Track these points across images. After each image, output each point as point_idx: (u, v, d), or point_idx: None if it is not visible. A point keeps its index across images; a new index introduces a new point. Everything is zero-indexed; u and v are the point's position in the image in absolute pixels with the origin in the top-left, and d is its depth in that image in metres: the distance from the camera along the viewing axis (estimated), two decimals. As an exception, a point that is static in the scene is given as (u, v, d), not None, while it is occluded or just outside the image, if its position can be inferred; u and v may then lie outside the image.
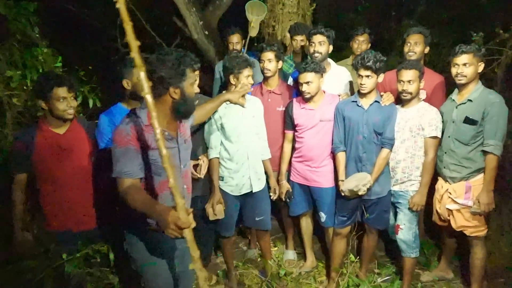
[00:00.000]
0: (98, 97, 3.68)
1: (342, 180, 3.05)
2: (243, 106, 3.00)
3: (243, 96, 2.99)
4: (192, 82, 2.04)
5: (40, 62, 3.28)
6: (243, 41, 4.22)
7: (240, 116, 3.02)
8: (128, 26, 1.56)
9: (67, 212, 2.61)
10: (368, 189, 2.95)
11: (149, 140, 1.98)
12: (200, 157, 3.03)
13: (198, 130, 3.06)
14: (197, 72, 2.15)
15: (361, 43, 3.92)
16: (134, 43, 1.58)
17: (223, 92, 3.02)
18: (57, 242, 2.59)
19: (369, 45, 3.97)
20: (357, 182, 2.90)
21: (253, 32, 4.40)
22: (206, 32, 5.60)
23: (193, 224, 1.75)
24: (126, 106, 2.73)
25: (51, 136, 2.55)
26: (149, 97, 1.64)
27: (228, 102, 2.99)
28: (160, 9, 6.63)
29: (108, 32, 6.61)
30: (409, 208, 3.00)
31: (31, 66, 3.23)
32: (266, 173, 3.25)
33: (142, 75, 1.61)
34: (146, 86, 1.62)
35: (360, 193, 2.91)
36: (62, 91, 2.48)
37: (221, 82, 4.05)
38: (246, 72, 2.95)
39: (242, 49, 4.20)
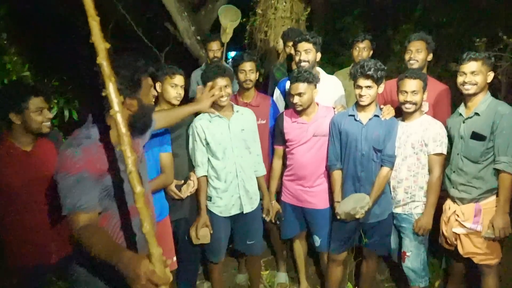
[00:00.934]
0: (75, 109, 3.43)
1: (338, 202, 2.79)
2: (219, 116, 2.76)
3: (217, 103, 2.72)
4: (147, 92, 1.75)
5: (7, 71, 3.02)
6: (222, 48, 4.12)
7: (225, 129, 2.76)
8: (95, 23, 1.23)
9: (34, 243, 2.30)
10: (367, 212, 2.68)
11: (106, 162, 1.63)
12: (190, 174, 2.78)
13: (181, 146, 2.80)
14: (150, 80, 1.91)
15: (361, 50, 3.66)
16: (101, 45, 1.25)
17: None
18: (24, 279, 2.30)
19: (371, 52, 3.72)
20: (354, 204, 2.64)
21: (226, 38, 4.32)
22: (198, 37, 5.50)
23: (171, 279, 1.37)
24: None
25: (17, 153, 2.25)
26: (119, 116, 1.29)
27: (211, 115, 2.75)
28: (151, 13, 6.52)
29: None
30: (414, 233, 2.74)
31: (-3, 75, 2.97)
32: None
33: (111, 87, 1.28)
34: (115, 101, 1.29)
35: (357, 216, 2.65)
36: (39, 101, 2.23)
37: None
38: (221, 81, 2.69)
39: (228, 55, 4.06)
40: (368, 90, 2.64)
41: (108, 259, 1.42)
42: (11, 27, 3.23)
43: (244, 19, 5.19)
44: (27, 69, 3.07)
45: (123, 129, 1.30)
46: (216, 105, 2.73)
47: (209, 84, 2.70)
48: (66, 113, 3.35)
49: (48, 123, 2.29)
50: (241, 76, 3.06)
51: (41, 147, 2.34)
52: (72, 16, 6.17)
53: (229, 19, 4.33)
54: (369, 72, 2.59)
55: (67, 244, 2.37)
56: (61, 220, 2.37)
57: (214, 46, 4.06)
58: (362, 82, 2.63)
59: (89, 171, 1.56)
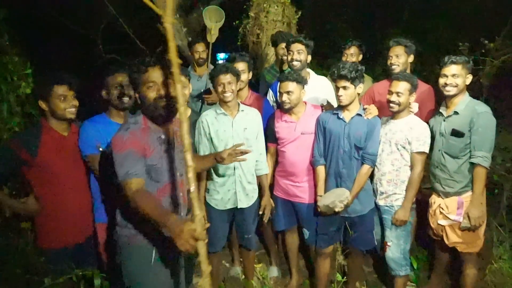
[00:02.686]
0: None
1: (320, 195, 2.92)
2: (224, 114, 2.87)
3: (222, 99, 2.85)
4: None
5: (9, 70, 3.11)
6: (207, 50, 4.20)
7: (229, 127, 2.87)
8: (172, 44, 1.70)
9: (67, 223, 2.48)
10: (346, 206, 2.81)
11: (147, 144, 1.98)
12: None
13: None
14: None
15: (350, 56, 3.83)
16: (175, 60, 1.70)
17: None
18: (48, 260, 2.45)
19: (360, 56, 3.88)
20: (333, 198, 2.78)
21: (212, 38, 4.38)
22: (190, 39, 5.54)
23: (207, 239, 1.69)
24: (110, 117, 2.59)
25: (58, 137, 2.45)
26: (182, 109, 1.72)
27: (217, 111, 2.88)
28: (143, 15, 6.53)
29: (89, 38, 6.45)
30: (395, 225, 2.89)
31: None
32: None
33: (179, 88, 1.73)
34: (181, 99, 1.72)
35: (336, 209, 2.78)
36: (62, 89, 2.38)
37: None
38: (223, 78, 2.80)
39: (224, 56, 4.16)
40: (345, 90, 2.76)
41: (157, 219, 1.76)
42: (12, 29, 3.30)
43: (237, 22, 5.32)
44: (29, 68, 3.16)
45: (185, 120, 1.71)
46: (221, 102, 2.86)
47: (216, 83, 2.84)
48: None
49: (72, 109, 2.43)
50: None
51: (75, 133, 2.53)
52: (66, 19, 6.24)
53: (214, 20, 4.38)
54: (342, 72, 2.71)
55: (90, 226, 2.62)
56: (89, 202, 2.59)
57: (199, 47, 4.15)
58: (338, 83, 2.77)
59: (134, 149, 1.93)
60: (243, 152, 2.41)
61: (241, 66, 3.16)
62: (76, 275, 2.37)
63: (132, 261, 2.06)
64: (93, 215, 2.62)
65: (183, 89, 1.76)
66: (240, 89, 3.22)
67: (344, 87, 2.76)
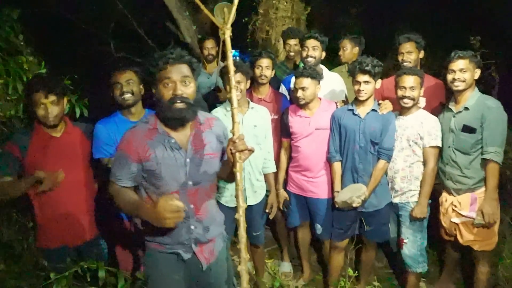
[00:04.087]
0: (86, 106, 3.56)
1: (337, 191, 2.95)
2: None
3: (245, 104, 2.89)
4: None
5: (24, 70, 3.16)
6: (217, 47, 4.16)
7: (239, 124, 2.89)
8: (230, 54, 1.80)
9: (63, 224, 2.47)
10: (364, 201, 2.84)
11: (145, 147, 1.86)
12: None
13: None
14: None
15: (342, 50, 3.96)
16: (232, 68, 1.81)
17: None
18: (50, 260, 2.48)
19: (356, 48, 3.95)
20: (351, 194, 2.80)
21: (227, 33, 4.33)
22: (200, 36, 5.52)
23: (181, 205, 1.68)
24: (123, 115, 2.60)
25: (48, 138, 2.43)
26: (235, 111, 1.83)
27: (228, 109, 2.88)
28: (153, 12, 6.56)
29: (99, 36, 6.50)
30: (411, 220, 2.89)
31: (15, 74, 3.10)
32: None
33: (234, 92, 1.85)
34: (235, 101, 1.84)
35: (354, 205, 2.80)
36: (39, 96, 2.33)
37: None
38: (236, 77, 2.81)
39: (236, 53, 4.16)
40: (366, 85, 2.79)
41: (134, 213, 1.83)
42: (26, 28, 3.35)
43: (246, 19, 5.32)
44: (44, 67, 3.21)
45: (236, 119, 1.84)
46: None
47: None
48: (78, 110, 3.47)
49: (51, 117, 2.36)
50: (257, 72, 3.17)
51: (70, 134, 2.51)
52: (76, 18, 6.29)
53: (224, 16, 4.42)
54: (366, 68, 2.74)
55: (92, 227, 2.60)
56: (88, 204, 2.57)
57: (209, 44, 4.14)
58: (360, 77, 2.78)
59: (125, 152, 1.87)
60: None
61: (266, 62, 3.17)
62: (81, 267, 2.44)
63: (153, 270, 2.01)
64: (97, 216, 2.61)
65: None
66: (262, 85, 3.24)
67: (366, 82, 2.78)
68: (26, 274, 2.60)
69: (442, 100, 3.21)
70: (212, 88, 3.98)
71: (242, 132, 2.81)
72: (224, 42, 1.82)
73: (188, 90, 1.82)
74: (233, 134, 1.79)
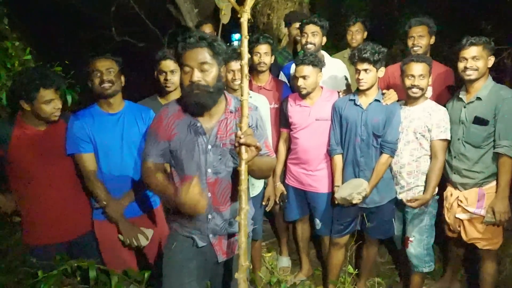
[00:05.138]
0: (77, 93, 3.43)
1: (338, 186, 2.81)
2: None
3: (230, 86, 2.73)
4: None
5: (9, 56, 3.02)
6: (215, 32, 4.05)
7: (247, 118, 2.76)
8: (245, 39, 1.66)
9: (49, 220, 2.38)
10: (365, 197, 2.70)
11: (172, 126, 1.87)
12: None
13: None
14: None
15: (354, 33, 3.64)
16: (245, 55, 1.65)
17: None
18: (37, 257, 2.35)
19: (365, 33, 3.69)
20: (351, 190, 2.66)
21: (224, 19, 4.26)
22: (198, 20, 5.39)
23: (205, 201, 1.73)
24: (103, 108, 2.44)
25: (31, 134, 2.32)
26: (245, 102, 1.68)
27: None
28: (154, -4, 6.41)
29: (99, 19, 6.39)
30: (417, 218, 2.75)
31: None
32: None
33: (245, 82, 1.68)
34: (245, 91, 1.67)
35: (354, 201, 2.67)
36: (49, 93, 2.26)
37: None
38: (234, 65, 2.68)
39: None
40: (366, 74, 2.63)
41: (164, 195, 1.88)
42: (12, 12, 3.20)
43: (247, 3, 5.14)
44: (28, 53, 3.07)
45: (245, 114, 1.67)
46: (229, 89, 2.73)
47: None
48: (69, 97, 3.35)
49: (57, 113, 2.32)
50: (255, 59, 3.02)
51: (55, 127, 2.39)
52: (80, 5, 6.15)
53: (225, 0, 4.23)
54: (365, 55, 2.58)
55: (82, 223, 2.50)
56: (75, 198, 2.47)
57: (206, 29, 3.96)
58: (360, 65, 2.63)
59: (156, 129, 1.89)
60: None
61: (264, 48, 3.00)
62: (70, 266, 2.34)
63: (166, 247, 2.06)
64: (88, 211, 2.50)
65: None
66: (261, 72, 3.09)
67: (366, 70, 2.61)
68: (14, 270, 2.51)
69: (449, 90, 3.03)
70: None
71: (258, 119, 2.71)
72: (240, 26, 1.67)
73: (207, 76, 1.76)
74: (240, 129, 1.65)
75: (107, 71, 2.34)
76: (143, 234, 2.42)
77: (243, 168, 1.64)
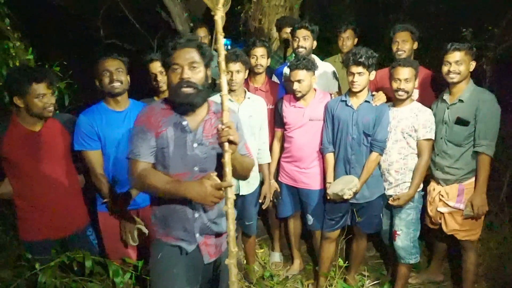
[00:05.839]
0: (75, 93, 3.50)
1: (329, 183, 2.94)
2: (230, 100, 2.83)
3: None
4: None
5: (11, 55, 3.08)
6: (210, 36, 4.10)
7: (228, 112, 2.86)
8: (221, 36, 1.71)
9: (44, 217, 2.43)
10: (355, 193, 2.84)
11: (161, 122, 1.87)
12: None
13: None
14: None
15: (345, 40, 3.81)
16: (222, 52, 1.71)
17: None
18: (33, 252, 2.42)
19: (356, 39, 3.85)
20: (342, 186, 2.80)
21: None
22: (191, 24, 5.44)
23: (232, 184, 1.74)
24: (110, 105, 2.53)
25: (26, 134, 2.35)
26: (225, 97, 1.73)
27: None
28: (143, -1, 6.43)
29: (89, 21, 6.38)
30: (404, 213, 2.90)
31: (1, 60, 3.02)
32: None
33: (223, 77, 1.73)
34: (224, 87, 1.73)
35: (345, 197, 2.80)
36: (41, 88, 2.28)
37: None
38: (233, 66, 2.79)
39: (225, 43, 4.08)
40: (360, 77, 2.77)
41: (171, 190, 1.78)
42: (14, 13, 3.26)
43: (238, 7, 5.25)
44: (30, 53, 3.13)
45: (226, 107, 1.73)
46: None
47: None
48: (66, 97, 3.41)
49: (50, 108, 2.34)
50: (252, 61, 3.13)
51: (49, 128, 2.43)
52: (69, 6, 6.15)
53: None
54: (360, 59, 2.72)
55: (77, 220, 2.56)
56: (70, 197, 2.52)
57: (201, 32, 4.05)
58: (354, 69, 2.76)
59: (145, 126, 1.87)
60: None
61: (260, 51, 3.14)
62: (67, 257, 2.39)
63: (151, 255, 2.04)
64: (84, 208, 2.59)
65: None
66: (258, 74, 3.21)
67: (360, 73, 2.76)
68: (12, 264, 2.56)
69: (433, 92, 3.20)
70: None
71: (238, 121, 2.84)
72: (226, 29, 1.77)
73: (196, 75, 1.81)
74: (221, 122, 1.72)
75: (116, 70, 2.43)
76: (133, 237, 2.50)
77: (227, 160, 1.72)
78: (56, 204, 2.45)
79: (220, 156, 1.81)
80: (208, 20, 4.68)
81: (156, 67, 2.85)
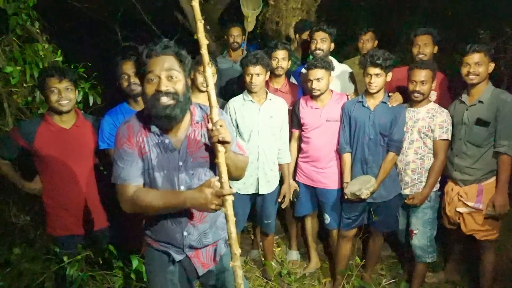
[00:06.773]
0: (99, 94, 3.60)
1: (347, 182, 2.99)
2: (251, 101, 2.95)
3: (249, 88, 2.92)
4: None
5: (40, 57, 3.21)
6: (243, 36, 4.16)
7: (255, 114, 2.95)
8: (200, 24, 1.57)
9: (71, 213, 2.54)
10: (372, 193, 2.88)
11: (144, 143, 1.73)
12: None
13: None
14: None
15: (365, 42, 3.86)
16: (203, 41, 1.58)
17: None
18: (60, 247, 2.55)
19: (376, 42, 3.90)
20: (360, 186, 2.85)
21: (249, 26, 4.35)
22: (208, 27, 5.51)
23: (233, 191, 1.64)
24: (132, 106, 2.65)
25: (56, 130, 2.48)
26: (211, 92, 1.62)
27: (245, 98, 2.96)
28: (161, 2, 6.54)
29: (107, 24, 6.52)
30: (421, 212, 2.93)
31: (31, 62, 3.15)
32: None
33: (208, 71, 1.61)
34: (210, 82, 1.62)
35: (362, 196, 2.85)
36: (52, 81, 2.39)
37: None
38: (252, 69, 2.87)
39: (242, 43, 4.16)
40: (377, 78, 2.83)
41: (170, 203, 1.67)
42: (42, 16, 3.38)
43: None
44: (60, 55, 3.26)
45: (214, 105, 1.62)
46: (248, 90, 2.95)
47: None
48: (91, 98, 3.52)
49: (64, 102, 2.42)
50: (273, 63, 3.21)
51: (80, 126, 2.55)
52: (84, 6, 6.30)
53: (251, 8, 4.35)
54: (378, 61, 2.78)
55: (100, 217, 2.65)
56: (96, 195, 2.62)
57: (235, 31, 4.08)
58: (372, 70, 2.82)
59: (128, 147, 1.72)
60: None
61: (282, 53, 3.22)
62: (93, 251, 2.53)
63: (145, 261, 2.03)
64: (104, 206, 2.66)
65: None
66: (278, 76, 3.30)
67: (377, 75, 2.81)
68: (40, 258, 2.68)
69: (448, 95, 3.22)
70: (236, 76, 3.98)
71: (258, 123, 2.93)
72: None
73: (176, 85, 1.64)
74: (211, 120, 1.61)
75: (133, 73, 2.50)
76: None
77: (221, 161, 1.62)
78: (83, 201, 2.55)
79: (205, 171, 1.79)
80: (220, 25, 4.73)
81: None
